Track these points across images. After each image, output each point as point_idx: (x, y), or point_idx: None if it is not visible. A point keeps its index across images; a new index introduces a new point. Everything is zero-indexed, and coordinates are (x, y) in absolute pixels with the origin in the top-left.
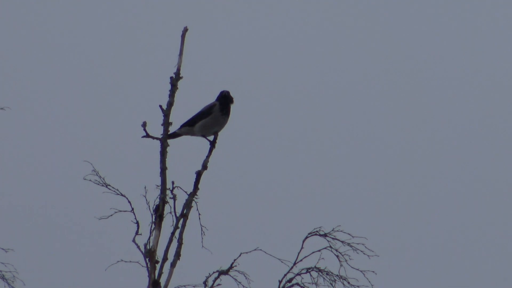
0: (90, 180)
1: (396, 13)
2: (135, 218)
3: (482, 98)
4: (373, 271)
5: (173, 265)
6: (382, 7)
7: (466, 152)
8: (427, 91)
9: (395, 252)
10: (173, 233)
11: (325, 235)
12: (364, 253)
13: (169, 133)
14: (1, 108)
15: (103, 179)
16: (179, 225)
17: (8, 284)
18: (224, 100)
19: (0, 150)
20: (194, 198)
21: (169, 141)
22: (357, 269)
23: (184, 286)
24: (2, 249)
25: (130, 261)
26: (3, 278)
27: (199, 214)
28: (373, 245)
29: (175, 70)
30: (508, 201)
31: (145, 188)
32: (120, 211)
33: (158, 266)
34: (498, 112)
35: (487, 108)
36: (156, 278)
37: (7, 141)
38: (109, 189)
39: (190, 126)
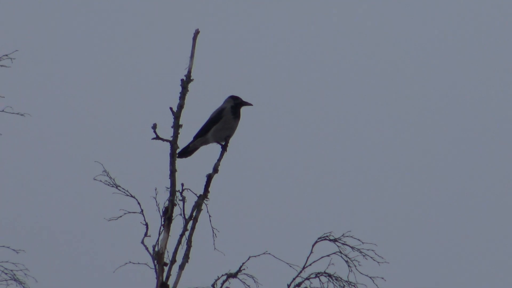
0: (100, 181)
1: (394, 12)
2: (145, 220)
3: (487, 98)
4: (382, 278)
5: (181, 267)
6: (383, 8)
7: (477, 158)
8: (437, 95)
9: (405, 259)
10: (182, 235)
11: (335, 240)
12: (373, 259)
13: (181, 148)
14: (21, 114)
15: (113, 180)
16: (188, 227)
17: (20, 283)
18: (236, 103)
19: (9, 153)
20: (204, 201)
21: (183, 159)
22: (366, 275)
23: None
24: (13, 250)
25: (139, 263)
26: (14, 278)
27: (210, 216)
28: (383, 252)
29: (186, 72)
30: None
31: (155, 190)
32: (130, 212)
33: (166, 268)
34: (502, 113)
35: (492, 109)
36: (164, 280)
37: (16, 142)
38: (119, 190)
39: (202, 136)
